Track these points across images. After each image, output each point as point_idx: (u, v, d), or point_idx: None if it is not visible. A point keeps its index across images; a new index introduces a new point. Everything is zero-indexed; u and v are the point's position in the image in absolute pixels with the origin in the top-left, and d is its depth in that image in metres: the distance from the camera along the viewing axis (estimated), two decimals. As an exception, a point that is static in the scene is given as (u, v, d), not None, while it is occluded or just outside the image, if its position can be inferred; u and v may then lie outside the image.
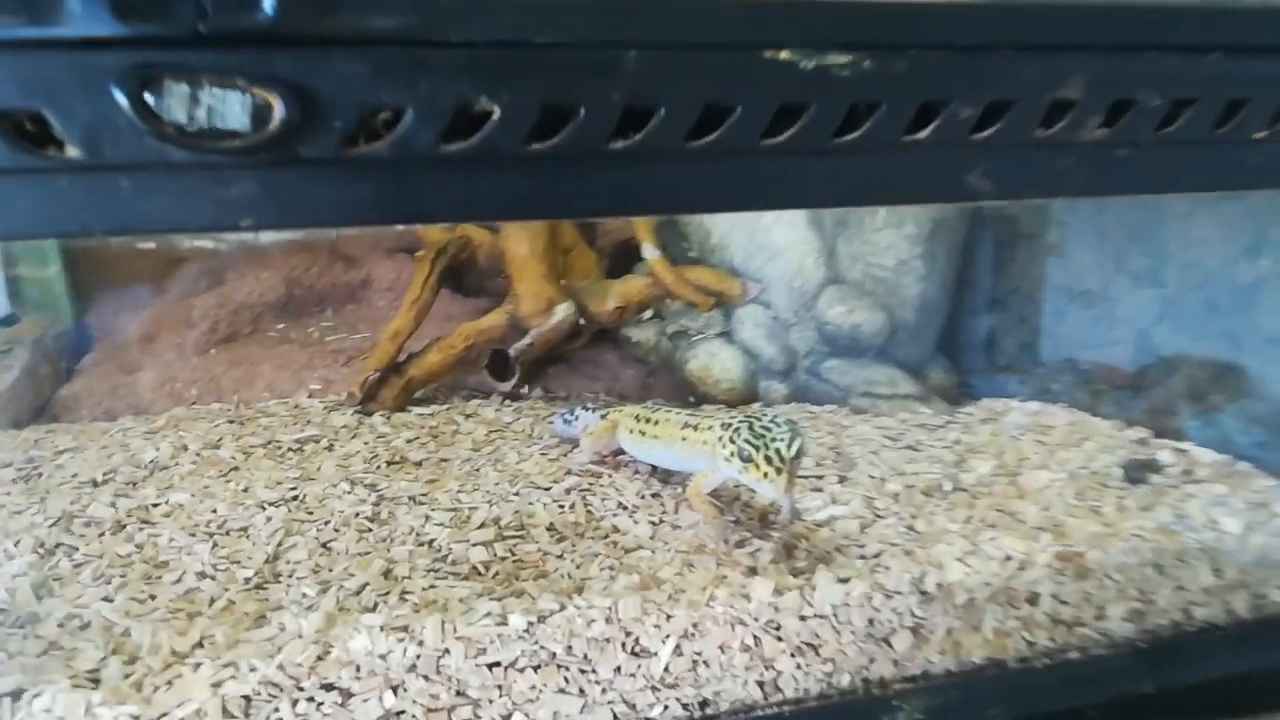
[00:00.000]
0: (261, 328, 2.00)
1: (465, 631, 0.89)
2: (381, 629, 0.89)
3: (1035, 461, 1.33)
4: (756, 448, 1.00)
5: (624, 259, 1.98)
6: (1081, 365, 1.56)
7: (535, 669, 0.91)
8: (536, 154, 0.67)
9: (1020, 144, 0.78)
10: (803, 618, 0.97)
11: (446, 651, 0.88)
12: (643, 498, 1.26)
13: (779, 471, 0.99)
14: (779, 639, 0.97)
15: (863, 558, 1.07)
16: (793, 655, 0.98)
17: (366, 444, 1.46)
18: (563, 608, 0.93)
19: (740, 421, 1.05)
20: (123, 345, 1.89)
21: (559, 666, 0.92)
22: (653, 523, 1.19)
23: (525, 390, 1.76)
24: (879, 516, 1.18)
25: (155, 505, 1.21)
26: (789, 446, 1.00)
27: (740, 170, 0.73)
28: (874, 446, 1.42)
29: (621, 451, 1.39)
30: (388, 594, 0.98)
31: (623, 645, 0.94)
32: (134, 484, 1.28)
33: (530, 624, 0.91)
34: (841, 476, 1.32)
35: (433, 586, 1.00)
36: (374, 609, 0.95)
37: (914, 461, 1.35)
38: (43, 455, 1.41)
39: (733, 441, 1.03)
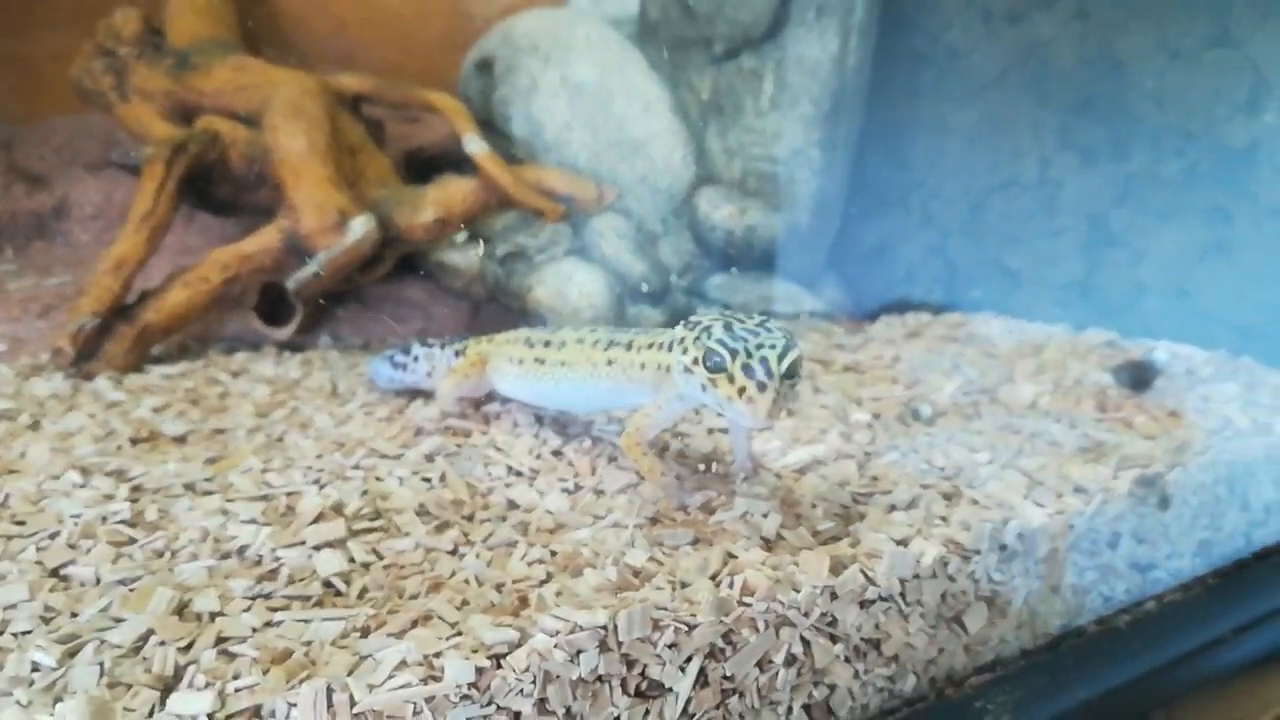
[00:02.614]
0: (-98, 276, 1.40)
1: (368, 701, 0.49)
2: (210, 718, 0.47)
3: (1001, 375, 1.09)
4: (734, 353, 0.66)
5: (416, 174, 1.55)
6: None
7: (489, 748, 0.53)
8: None
9: None
10: (864, 603, 0.65)
11: (337, 744, 0.48)
12: (538, 458, 0.89)
13: (762, 388, 0.65)
14: (833, 638, 0.64)
15: (894, 508, 0.76)
16: (848, 660, 0.66)
17: (93, 417, 0.97)
18: (523, 637, 0.55)
19: (712, 319, 0.70)
20: None
21: (527, 736, 0.54)
22: (566, 491, 0.82)
23: (302, 338, 1.31)
24: (870, 455, 0.88)
25: None
26: (781, 356, 0.67)
27: None
28: (805, 371, 1.12)
29: (488, 400, 1.01)
30: (190, 646, 0.56)
31: (623, 684, 0.57)
32: None
33: (479, 670, 0.52)
34: (786, 409, 1.00)
35: (271, 625, 0.58)
36: (178, 678, 0.52)
37: (863, 385, 1.07)
38: None
39: (698, 343, 0.69)
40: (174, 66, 1.38)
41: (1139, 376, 1.01)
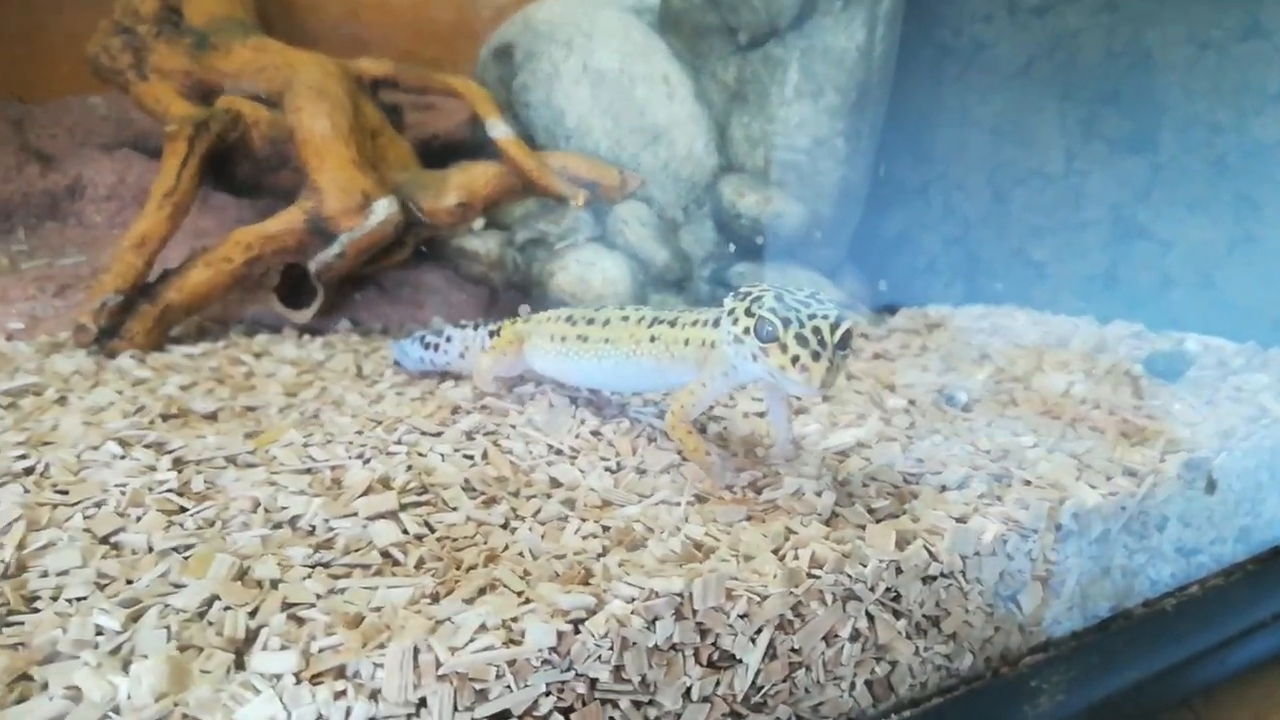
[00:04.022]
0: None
1: (452, 663, 0.48)
2: (297, 677, 0.46)
3: (1030, 364, 1.09)
4: (786, 322, 0.66)
5: (431, 161, 1.54)
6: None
7: (566, 713, 0.52)
8: None
9: None
10: (927, 579, 0.65)
11: (421, 706, 0.47)
12: (578, 437, 0.88)
13: (816, 357, 0.65)
14: (896, 614, 0.64)
15: (945, 488, 0.76)
16: (910, 636, 0.65)
17: (120, 393, 0.96)
18: (599, 603, 0.54)
19: (762, 290, 0.70)
20: None
21: (603, 702, 0.53)
22: (609, 470, 0.81)
23: (321, 322, 1.30)
24: (912, 438, 0.88)
25: None
26: (834, 326, 0.66)
27: None
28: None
29: (521, 380, 1.00)
30: (256, 611, 0.55)
31: (695, 654, 0.56)
32: None
33: (560, 635, 0.51)
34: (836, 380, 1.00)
35: (335, 592, 0.58)
36: (249, 641, 0.51)
37: (895, 373, 1.07)
38: None
39: (749, 314, 0.68)
40: (193, 46, 1.36)
41: (1171, 366, 1.01)
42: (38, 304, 1.24)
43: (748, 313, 0.69)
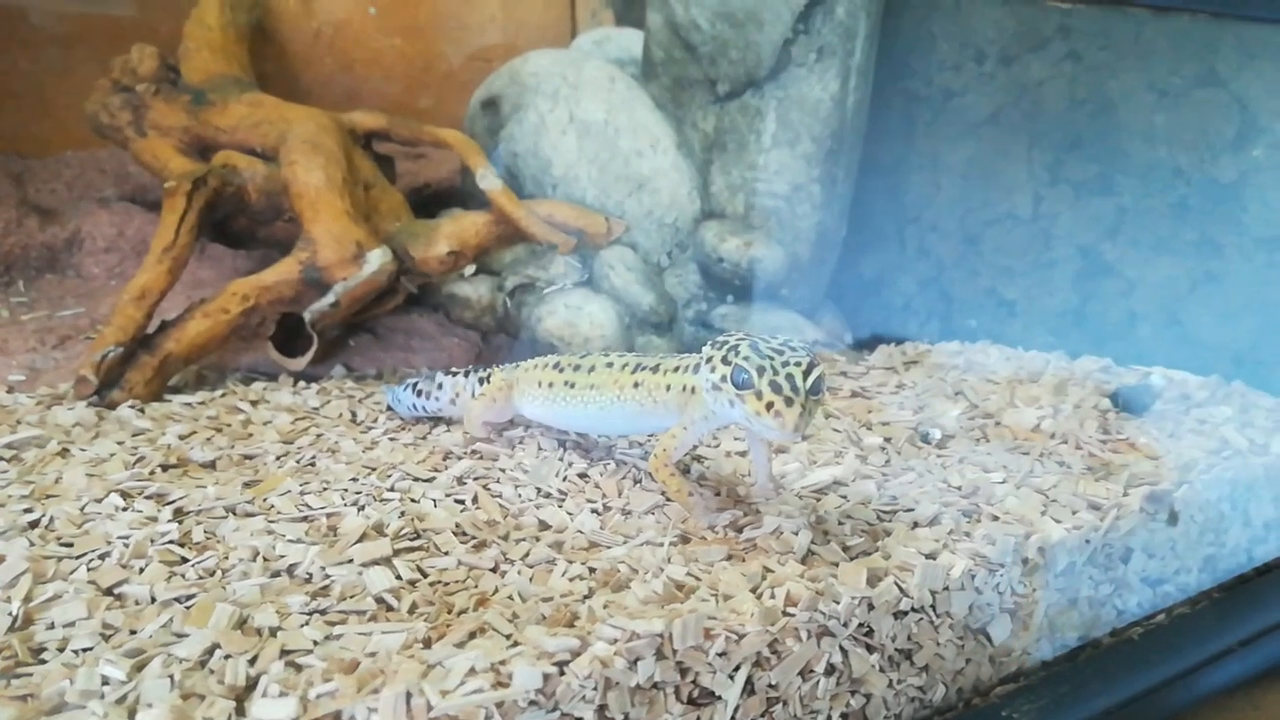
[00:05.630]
0: (-87, 308, 1.41)
1: (443, 706, 0.51)
2: (297, 725, 0.49)
3: (1003, 400, 1.12)
4: (760, 370, 0.70)
5: (422, 209, 1.58)
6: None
7: (554, 752, 0.55)
8: None
9: None
10: (899, 614, 0.68)
11: (415, 747, 0.50)
12: (565, 480, 0.91)
13: (789, 403, 0.69)
14: (870, 648, 0.67)
15: (916, 524, 0.79)
16: (883, 670, 0.68)
17: (121, 444, 0.99)
18: (583, 645, 0.57)
19: (738, 339, 0.74)
20: None
21: (589, 741, 0.56)
22: (595, 512, 0.85)
23: (316, 368, 1.33)
24: (887, 475, 0.91)
25: None
26: (806, 372, 0.70)
27: None
28: (813, 398, 1.15)
29: (510, 425, 1.03)
30: (255, 659, 0.58)
31: (676, 692, 0.59)
32: None
33: (546, 677, 0.54)
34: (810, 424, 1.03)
35: (331, 638, 0.60)
36: (250, 688, 0.54)
37: (872, 411, 1.10)
38: None
39: (726, 361, 0.72)
40: (191, 103, 1.41)
41: (1137, 400, 1.05)
42: (38, 356, 1.27)
43: (724, 361, 0.73)
